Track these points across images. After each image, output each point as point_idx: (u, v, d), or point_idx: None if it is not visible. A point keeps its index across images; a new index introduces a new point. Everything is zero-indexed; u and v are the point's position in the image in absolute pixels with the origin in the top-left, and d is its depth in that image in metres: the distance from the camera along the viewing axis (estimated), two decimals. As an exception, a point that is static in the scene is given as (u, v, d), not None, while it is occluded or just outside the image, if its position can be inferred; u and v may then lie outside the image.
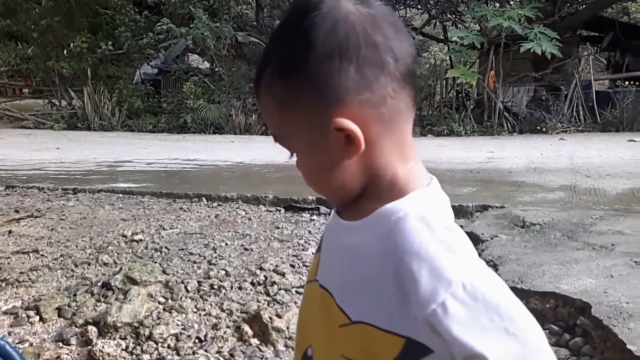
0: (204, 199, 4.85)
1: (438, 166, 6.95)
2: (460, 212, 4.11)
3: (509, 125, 12.06)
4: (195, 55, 15.29)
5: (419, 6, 15.27)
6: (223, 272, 2.94)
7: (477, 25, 14.01)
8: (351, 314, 0.64)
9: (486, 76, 12.34)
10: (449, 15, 14.98)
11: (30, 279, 2.95)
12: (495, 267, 2.78)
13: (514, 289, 2.45)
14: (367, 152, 0.62)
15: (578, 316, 2.14)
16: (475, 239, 3.43)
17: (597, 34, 14.73)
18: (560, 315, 2.23)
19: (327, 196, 0.70)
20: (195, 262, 3.12)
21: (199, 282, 2.80)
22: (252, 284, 2.78)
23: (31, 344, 2.31)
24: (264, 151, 7.88)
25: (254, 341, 2.29)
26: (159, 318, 2.44)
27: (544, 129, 11.47)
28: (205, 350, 2.23)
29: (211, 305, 2.58)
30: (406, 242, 0.59)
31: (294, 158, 0.68)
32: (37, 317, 2.51)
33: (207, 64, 15.17)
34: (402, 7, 15.39)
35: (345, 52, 0.60)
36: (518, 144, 9.93)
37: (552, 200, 4.54)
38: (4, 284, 2.89)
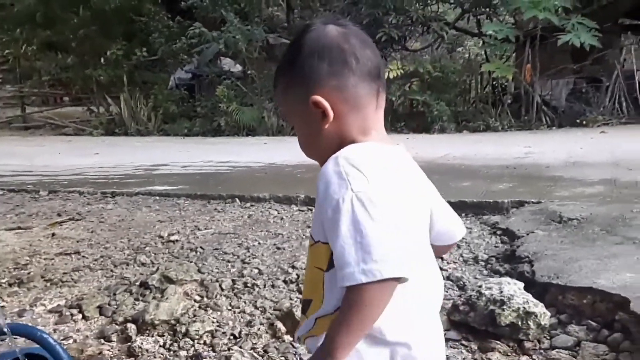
0: (238, 200, 4.93)
1: (473, 162, 6.84)
2: (495, 208, 4.03)
3: (547, 119, 11.73)
4: (228, 59, 15.48)
5: (451, 0, 15.02)
6: (256, 271, 2.98)
7: (511, 18, 13.68)
8: (314, 236, 0.91)
9: (522, 69, 12.06)
10: (482, 9, 14.66)
11: (72, 279, 3.06)
12: (530, 263, 2.72)
13: (549, 285, 2.38)
14: (336, 123, 0.91)
15: (617, 311, 2.07)
16: (511, 235, 3.37)
17: (640, 23, 14.15)
18: (598, 310, 2.16)
19: (314, 158, 0.98)
20: (229, 261, 3.17)
21: (233, 280, 2.84)
22: (285, 282, 2.81)
23: (75, 341, 2.40)
24: (296, 152, 7.89)
25: (287, 338, 2.31)
26: (195, 315, 2.49)
27: (584, 122, 11.12)
28: (240, 347, 2.26)
29: (245, 303, 2.62)
30: (321, 171, 0.85)
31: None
32: (80, 315, 2.61)
33: (239, 67, 15.35)
34: (434, 2, 15.16)
35: (321, 54, 0.90)
36: (557, 138, 9.68)
37: (591, 194, 4.41)
38: (49, 284, 3.01)
